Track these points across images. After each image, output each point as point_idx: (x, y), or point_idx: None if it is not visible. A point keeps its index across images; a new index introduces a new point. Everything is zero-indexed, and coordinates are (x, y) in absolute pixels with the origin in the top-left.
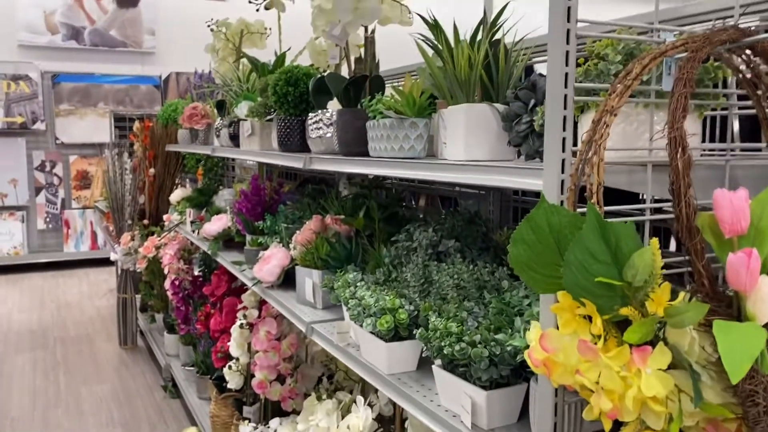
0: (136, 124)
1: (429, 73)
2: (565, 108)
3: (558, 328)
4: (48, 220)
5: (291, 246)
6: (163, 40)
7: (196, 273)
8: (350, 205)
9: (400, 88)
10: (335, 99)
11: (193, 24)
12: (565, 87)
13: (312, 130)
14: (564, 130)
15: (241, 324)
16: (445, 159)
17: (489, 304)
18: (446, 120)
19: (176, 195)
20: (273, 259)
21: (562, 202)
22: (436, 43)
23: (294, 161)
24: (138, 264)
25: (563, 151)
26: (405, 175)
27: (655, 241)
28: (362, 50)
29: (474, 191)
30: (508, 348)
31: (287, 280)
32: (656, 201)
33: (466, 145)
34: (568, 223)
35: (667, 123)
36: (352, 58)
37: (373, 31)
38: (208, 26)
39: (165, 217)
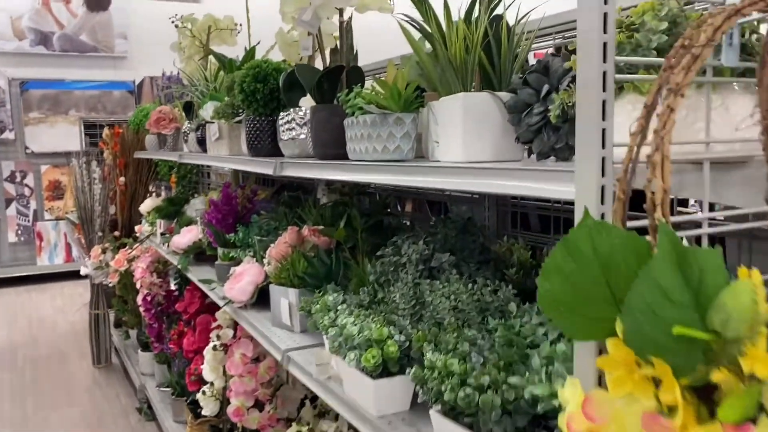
0: (106, 131)
1: (416, 61)
2: (604, 89)
3: (605, 386)
4: (20, 232)
5: (265, 261)
6: (136, 44)
7: (172, 286)
8: (330, 214)
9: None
10: (309, 95)
11: (167, 27)
12: (604, 61)
13: (284, 131)
14: (604, 119)
15: (215, 346)
16: (438, 161)
17: (494, 331)
18: (438, 114)
19: (146, 205)
20: (245, 276)
21: (602, 215)
22: (423, 24)
23: (263, 167)
24: (109, 278)
25: (603, 146)
26: (391, 182)
27: (753, 274)
28: (338, 41)
29: (467, 195)
30: (526, 395)
31: (262, 297)
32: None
33: (465, 144)
34: (620, 246)
35: (760, 104)
36: (327, 50)
37: (350, 19)
38: (172, 22)
39: (137, 228)
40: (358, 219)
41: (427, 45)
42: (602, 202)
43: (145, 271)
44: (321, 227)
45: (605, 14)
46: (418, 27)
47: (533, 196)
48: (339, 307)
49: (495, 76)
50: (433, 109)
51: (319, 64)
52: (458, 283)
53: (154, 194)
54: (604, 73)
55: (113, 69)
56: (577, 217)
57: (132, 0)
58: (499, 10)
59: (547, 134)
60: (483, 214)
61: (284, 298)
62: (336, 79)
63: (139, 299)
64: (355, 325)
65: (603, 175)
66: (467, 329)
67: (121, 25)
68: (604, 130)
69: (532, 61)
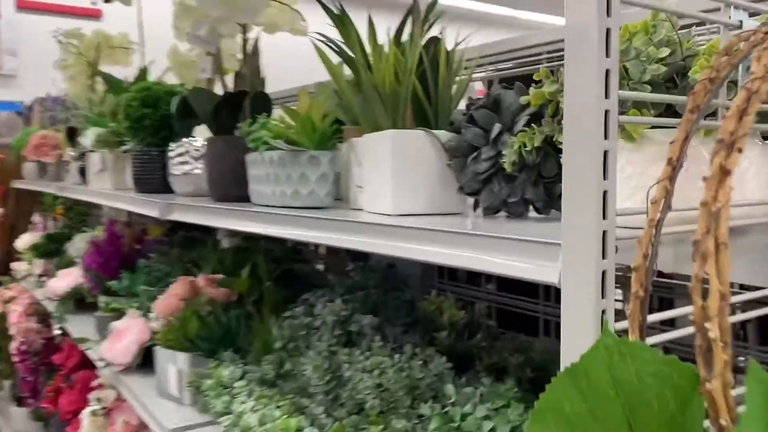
0: None
1: (334, 89)
2: (606, 137)
3: None
4: None
5: (152, 315)
6: (26, 62)
7: (56, 332)
8: (231, 261)
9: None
10: (205, 124)
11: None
12: (606, 96)
13: (175, 164)
14: (605, 177)
15: (94, 410)
16: (361, 210)
17: (428, 420)
18: (362, 154)
19: (24, 240)
20: (128, 334)
21: (603, 312)
22: (343, 46)
23: (148, 208)
24: None
25: (604, 216)
26: (304, 238)
27: None
28: (242, 64)
29: None
30: None
31: (150, 358)
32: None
33: (395, 192)
34: (653, 376)
35: None
36: (231, 74)
37: (256, 39)
38: (54, 37)
39: (14, 265)
40: (265, 267)
41: (347, 71)
42: (603, 295)
43: (22, 315)
44: (220, 276)
45: (608, 31)
46: (338, 50)
47: (500, 274)
48: (236, 384)
49: (431, 111)
50: (355, 148)
51: (220, 91)
52: (382, 353)
53: (38, 227)
54: (606, 113)
55: (0, 88)
56: (565, 311)
57: (23, 14)
58: (435, 30)
59: (499, 184)
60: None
61: (172, 365)
62: (237, 107)
63: (14, 347)
64: (256, 411)
65: (604, 256)
66: (394, 416)
67: (9, 41)
68: (605, 193)
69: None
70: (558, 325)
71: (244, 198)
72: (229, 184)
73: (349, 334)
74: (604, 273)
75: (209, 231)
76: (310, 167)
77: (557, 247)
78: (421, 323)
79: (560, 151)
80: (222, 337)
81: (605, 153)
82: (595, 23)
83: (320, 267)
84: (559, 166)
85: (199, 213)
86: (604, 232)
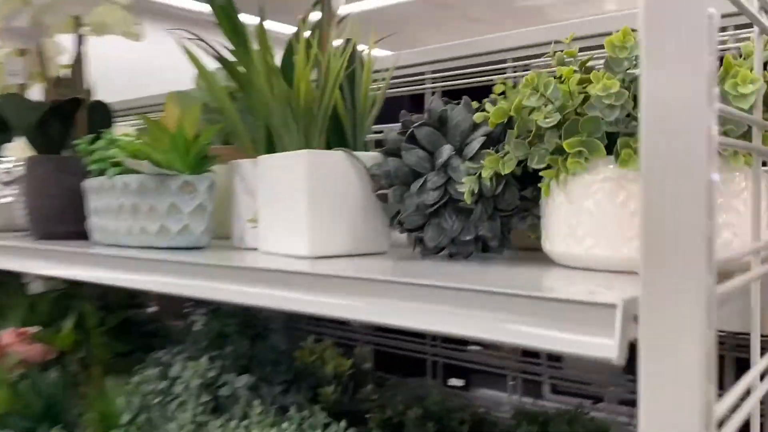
0: None
1: (203, 102)
2: (710, 157)
3: None
4: None
5: None
6: None
7: None
8: (47, 309)
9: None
10: (23, 140)
11: None
12: (710, 103)
13: None
14: (710, 217)
15: None
16: (258, 252)
17: None
18: (255, 180)
19: None
20: None
21: (707, 405)
22: (231, 49)
23: None
24: None
25: (710, 268)
26: (187, 291)
27: None
28: (67, 68)
29: None
30: None
31: None
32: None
33: (313, 230)
34: None
35: None
36: (50, 79)
37: (85, 39)
38: None
39: None
40: (94, 316)
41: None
42: (709, 378)
43: None
44: (34, 329)
45: (710, 17)
46: (216, 55)
47: (511, 344)
48: None
49: (350, 128)
50: (241, 173)
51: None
52: (264, 422)
53: None
54: (710, 126)
55: None
56: (646, 400)
57: None
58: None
59: (450, 219)
60: None
61: None
62: (69, 119)
63: None
64: None
65: (710, 325)
66: None
67: None
68: (710, 239)
69: None
70: (447, 366)
71: (80, 235)
72: (59, 218)
73: (217, 399)
74: (708, 347)
75: (14, 273)
76: (184, 196)
77: (611, 309)
78: (303, 378)
79: (520, 179)
80: (43, 410)
81: (709, 183)
82: (694, 7)
83: (153, 309)
84: (520, 197)
85: (16, 256)
86: (708, 293)
